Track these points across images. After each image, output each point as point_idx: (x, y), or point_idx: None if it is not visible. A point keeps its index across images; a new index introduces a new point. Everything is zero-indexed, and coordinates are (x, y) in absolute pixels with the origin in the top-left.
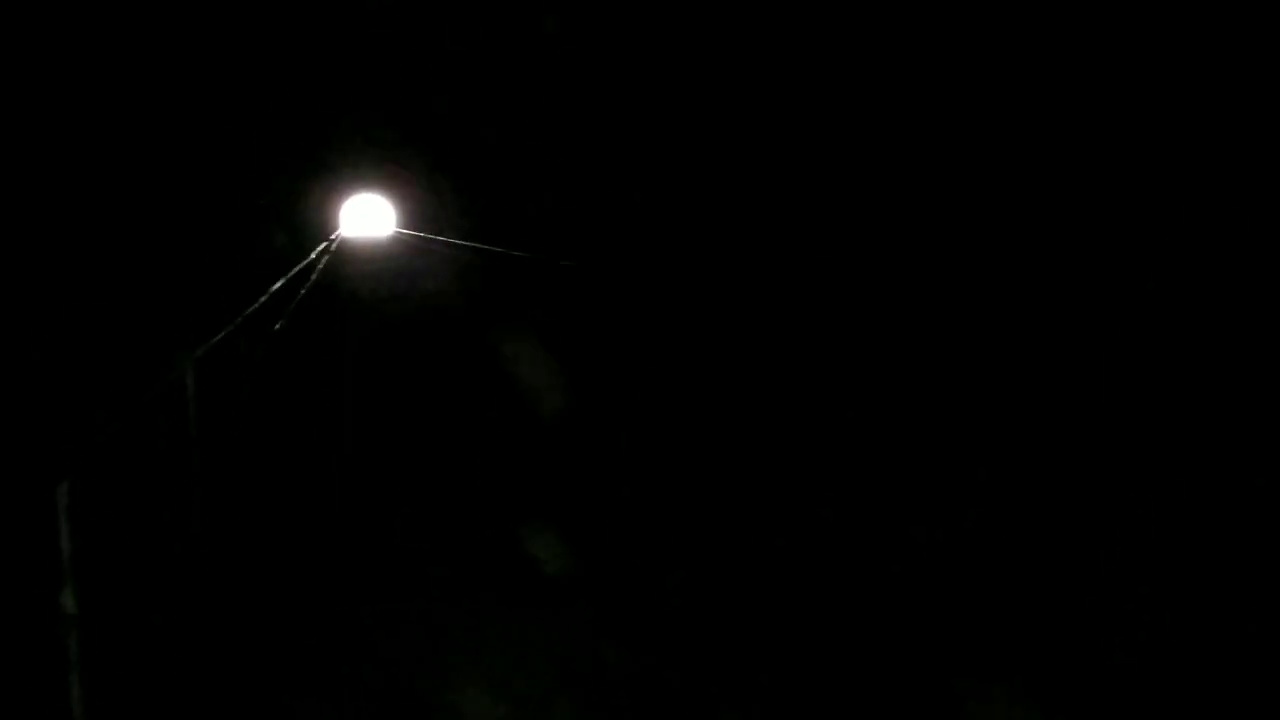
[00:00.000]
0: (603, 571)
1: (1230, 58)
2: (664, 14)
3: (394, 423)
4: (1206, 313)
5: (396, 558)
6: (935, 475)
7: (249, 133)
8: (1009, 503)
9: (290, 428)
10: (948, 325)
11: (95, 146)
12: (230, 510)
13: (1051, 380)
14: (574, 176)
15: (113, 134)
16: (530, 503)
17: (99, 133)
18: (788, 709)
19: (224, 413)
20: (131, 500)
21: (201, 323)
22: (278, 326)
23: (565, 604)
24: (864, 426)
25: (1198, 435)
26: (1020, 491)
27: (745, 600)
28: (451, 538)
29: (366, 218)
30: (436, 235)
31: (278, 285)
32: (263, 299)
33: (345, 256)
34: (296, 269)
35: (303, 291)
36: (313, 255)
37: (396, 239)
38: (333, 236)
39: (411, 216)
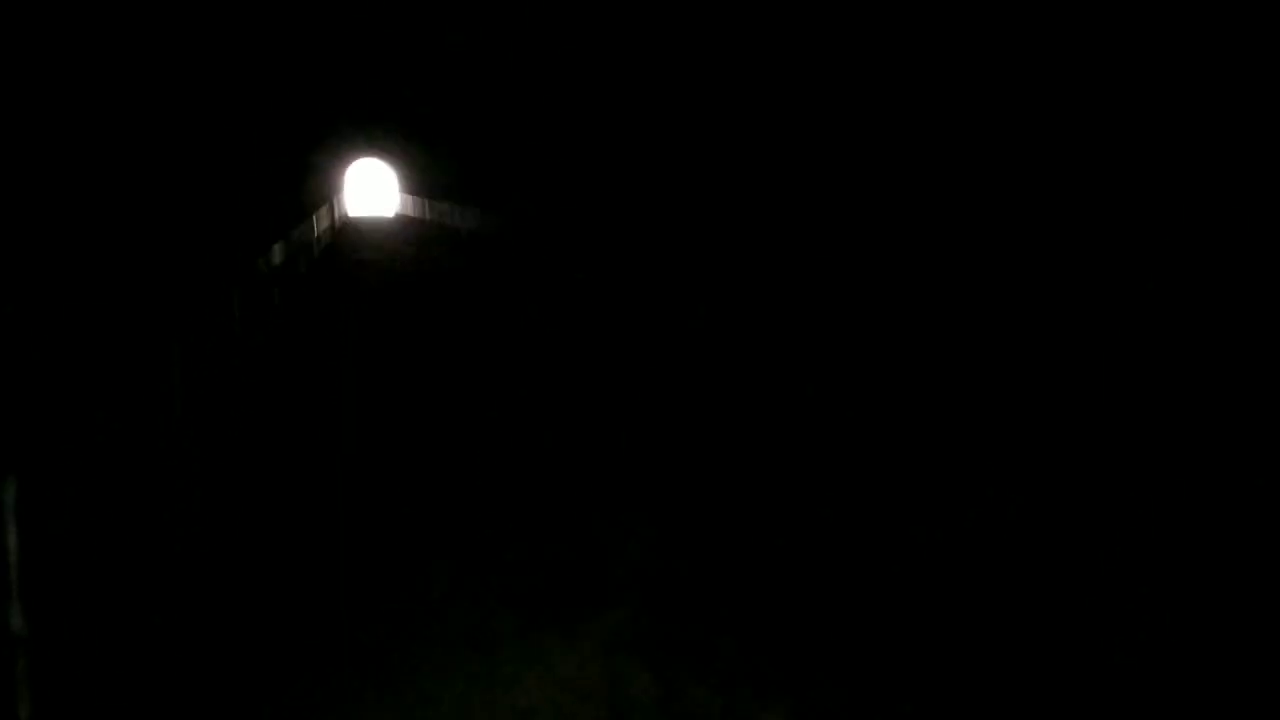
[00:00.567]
0: (603, 571)
1: (1230, 58)
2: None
3: (399, 409)
4: (1206, 313)
5: (397, 558)
6: (935, 475)
7: (247, 101)
8: (1009, 503)
9: (288, 415)
10: (947, 325)
11: (77, 124)
12: (222, 508)
13: (1051, 380)
14: (587, 162)
15: (95, 107)
16: (538, 501)
17: (81, 110)
18: (788, 709)
19: (215, 401)
20: (103, 500)
21: (190, 303)
22: (276, 303)
23: (571, 606)
24: (864, 426)
25: (1198, 435)
26: (1020, 491)
27: (745, 600)
28: (453, 538)
29: (371, 187)
30: (444, 205)
31: (276, 262)
32: (261, 273)
33: (348, 231)
34: (295, 247)
35: (302, 270)
36: (315, 230)
37: (402, 211)
38: (335, 208)
39: (418, 186)
